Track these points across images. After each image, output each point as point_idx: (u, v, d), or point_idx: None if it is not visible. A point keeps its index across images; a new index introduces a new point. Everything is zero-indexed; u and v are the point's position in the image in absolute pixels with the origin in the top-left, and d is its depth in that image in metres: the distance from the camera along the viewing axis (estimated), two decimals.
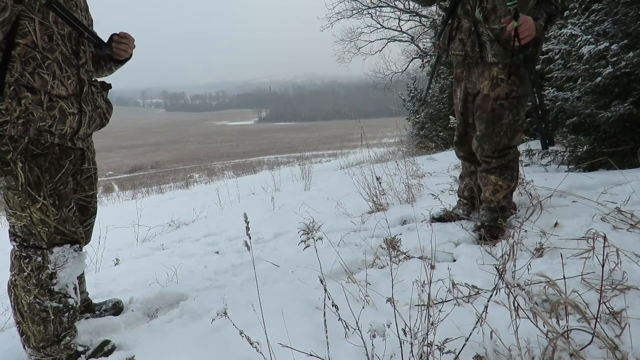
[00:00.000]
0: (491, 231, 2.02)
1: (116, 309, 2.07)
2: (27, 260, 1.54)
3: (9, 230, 1.58)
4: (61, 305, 1.59)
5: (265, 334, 1.20)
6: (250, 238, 1.18)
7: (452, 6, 2.00)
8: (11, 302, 1.59)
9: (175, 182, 15.98)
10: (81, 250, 1.67)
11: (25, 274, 1.54)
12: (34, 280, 1.54)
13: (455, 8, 1.99)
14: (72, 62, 1.53)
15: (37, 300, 1.54)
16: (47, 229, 1.54)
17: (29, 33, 1.41)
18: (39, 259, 1.55)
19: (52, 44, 1.47)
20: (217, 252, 3.09)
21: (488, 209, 2.12)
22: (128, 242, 3.93)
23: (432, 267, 1.77)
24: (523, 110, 2.02)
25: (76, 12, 1.58)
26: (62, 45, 1.50)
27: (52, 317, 1.57)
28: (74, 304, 1.64)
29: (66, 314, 1.61)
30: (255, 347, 1.12)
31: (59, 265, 1.57)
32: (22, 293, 1.55)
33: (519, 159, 2.21)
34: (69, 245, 1.60)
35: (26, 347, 1.59)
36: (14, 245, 1.57)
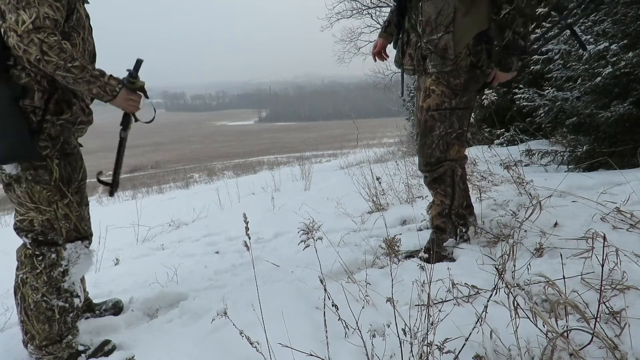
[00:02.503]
0: (427, 253, 1.86)
1: (116, 308, 2.07)
2: (40, 258, 1.57)
3: (20, 227, 1.59)
4: (67, 305, 1.62)
5: (265, 333, 1.20)
6: (249, 238, 1.18)
7: (397, 21, 1.96)
8: (17, 300, 1.60)
9: (175, 182, 15.94)
10: (90, 246, 1.73)
11: (38, 271, 1.57)
12: (44, 278, 1.57)
13: (401, 22, 1.95)
14: None
15: (45, 298, 1.57)
16: (68, 225, 1.61)
17: (76, 45, 1.54)
18: (53, 256, 1.59)
19: (85, 59, 1.57)
20: (217, 252, 3.10)
21: (431, 228, 2.07)
22: (128, 242, 3.93)
23: (432, 267, 1.77)
24: (460, 124, 1.89)
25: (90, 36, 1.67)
26: (87, 59, 1.62)
27: (58, 316, 1.59)
28: (79, 304, 1.67)
29: (71, 314, 1.64)
30: (255, 347, 1.12)
31: (72, 261, 1.63)
32: (29, 291, 1.57)
33: (465, 170, 2.05)
34: (80, 241, 1.66)
35: (28, 346, 1.60)
36: (25, 242, 1.59)
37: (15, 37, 1.36)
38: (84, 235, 1.68)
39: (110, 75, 1.52)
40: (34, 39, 1.36)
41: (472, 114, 1.94)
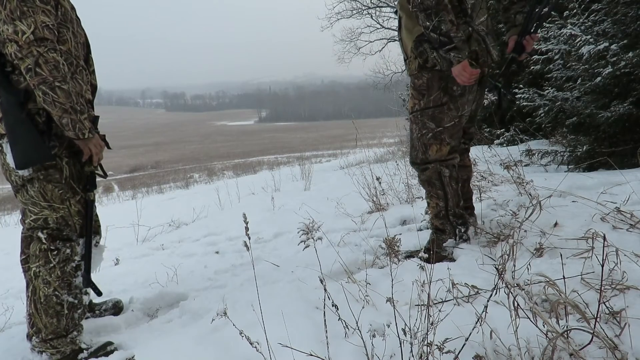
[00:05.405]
0: (427, 253, 1.86)
1: (116, 308, 2.08)
2: (55, 253, 1.60)
3: (35, 226, 1.61)
4: (76, 301, 1.65)
5: (265, 334, 1.20)
6: (249, 238, 1.18)
7: (399, 27, 1.99)
8: (28, 294, 1.63)
9: (175, 182, 15.94)
10: (98, 243, 1.79)
11: (51, 265, 1.59)
12: (57, 272, 1.60)
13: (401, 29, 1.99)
14: (87, 69, 1.66)
15: (55, 292, 1.59)
16: (82, 221, 1.65)
17: (67, 40, 1.52)
18: (68, 251, 1.63)
19: (79, 52, 1.59)
20: (217, 252, 3.10)
21: (431, 228, 2.11)
22: (128, 242, 3.93)
23: (432, 267, 1.77)
24: (436, 123, 1.88)
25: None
26: (81, 52, 1.62)
27: (66, 311, 1.62)
28: (86, 302, 1.72)
29: (79, 311, 1.66)
30: (255, 347, 1.12)
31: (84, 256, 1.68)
32: (41, 284, 1.59)
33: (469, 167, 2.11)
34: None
35: (33, 339, 1.61)
36: (41, 237, 1.60)
37: (15, 46, 1.36)
38: (94, 231, 1.73)
39: (87, 116, 1.51)
40: (32, 51, 1.37)
41: (463, 111, 1.90)
